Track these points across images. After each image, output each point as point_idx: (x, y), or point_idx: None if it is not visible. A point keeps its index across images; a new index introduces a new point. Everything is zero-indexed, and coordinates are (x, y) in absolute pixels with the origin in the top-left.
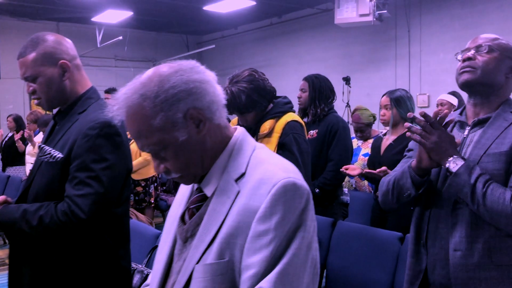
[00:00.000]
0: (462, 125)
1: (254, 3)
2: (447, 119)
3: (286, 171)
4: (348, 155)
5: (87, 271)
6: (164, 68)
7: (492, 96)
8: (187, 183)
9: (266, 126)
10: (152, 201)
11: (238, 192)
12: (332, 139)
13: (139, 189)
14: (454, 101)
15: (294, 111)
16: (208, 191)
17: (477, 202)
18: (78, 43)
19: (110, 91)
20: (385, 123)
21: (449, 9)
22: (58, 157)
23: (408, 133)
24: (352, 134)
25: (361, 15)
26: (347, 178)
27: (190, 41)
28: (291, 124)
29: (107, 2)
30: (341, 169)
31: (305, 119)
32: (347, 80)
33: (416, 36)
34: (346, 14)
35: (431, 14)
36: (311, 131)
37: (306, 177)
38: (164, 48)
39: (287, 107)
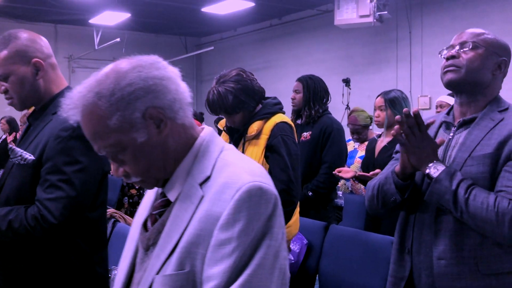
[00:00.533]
0: (448, 125)
1: (253, 4)
2: (430, 120)
3: (252, 175)
4: (342, 158)
5: (60, 277)
6: (123, 64)
7: (478, 95)
8: (149, 188)
9: (254, 127)
10: None
11: (202, 197)
12: (326, 141)
13: (133, 191)
14: (453, 101)
15: (283, 112)
16: (171, 196)
17: (460, 209)
18: (76, 45)
19: None
20: (379, 125)
21: (451, 10)
22: (30, 159)
23: (392, 132)
24: (349, 136)
25: (361, 16)
26: (343, 181)
27: (188, 43)
28: (280, 125)
29: (104, 4)
30: (333, 172)
31: (299, 121)
32: (347, 82)
33: (417, 38)
34: (346, 15)
35: (433, 15)
36: (305, 133)
37: (295, 180)
38: (163, 50)
39: (276, 108)
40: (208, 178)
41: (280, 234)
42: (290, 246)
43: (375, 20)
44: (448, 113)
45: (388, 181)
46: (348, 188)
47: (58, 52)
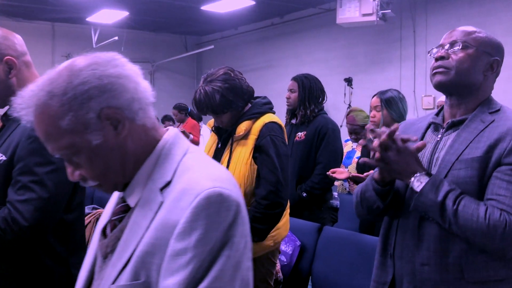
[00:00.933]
0: (436, 127)
1: (253, 3)
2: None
3: (213, 180)
4: (337, 158)
5: (33, 280)
6: (78, 61)
7: (469, 96)
8: (108, 192)
9: (242, 127)
10: None
11: (162, 203)
12: (321, 141)
13: None
14: None
15: (273, 112)
16: (131, 201)
17: (449, 221)
18: (74, 44)
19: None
20: (375, 125)
21: (456, 9)
22: (1, 159)
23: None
24: (348, 137)
25: (364, 15)
26: (340, 182)
27: (189, 41)
28: (269, 125)
29: (101, 2)
30: (327, 173)
31: (293, 121)
32: (349, 81)
33: (421, 37)
34: (348, 14)
35: (438, 14)
36: (299, 133)
37: (284, 181)
38: (163, 49)
39: (265, 107)
40: (168, 183)
41: (242, 244)
42: (282, 247)
43: (378, 19)
44: (437, 114)
45: (369, 188)
46: (345, 189)
47: (56, 51)
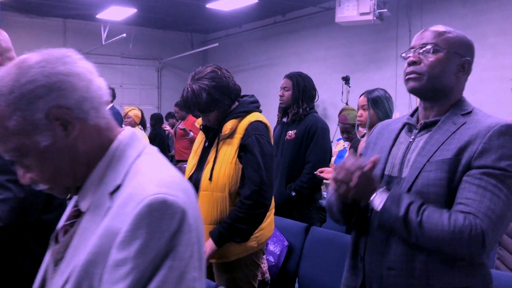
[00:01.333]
0: (410, 128)
1: (256, 1)
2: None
3: (159, 185)
4: (326, 157)
5: (11, 280)
6: (30, 57)
7: (442, 98)
8: (60, 195)
9: (228, 126)
10: None
11: (109, 209)
12: (310, 140)
13: None
14: None
15: (260, 111)
16: (83, 206)
17: (415, 234)
18: (84, 40)
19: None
20: (362, 125)
21: (450, 8)
22: None
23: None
24: (340, 136)
25: (362, 14)
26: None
27: (195, 39)
28: (254, 124)
29: None
30: (315, 172)
31: (285, 119)
32: (346, 79)
33: None
34: (346, 13)
35: (433, 14)
36: (290, 132)
37: (268, 181)
38: (170, 46)
39: (252, 106)
40: (118, 187)
41: (188, 253)
42: (271, 247)
43: (375, 18)
44: (412, 115)
45: (333, 207)
46: None
47: (67, 47)
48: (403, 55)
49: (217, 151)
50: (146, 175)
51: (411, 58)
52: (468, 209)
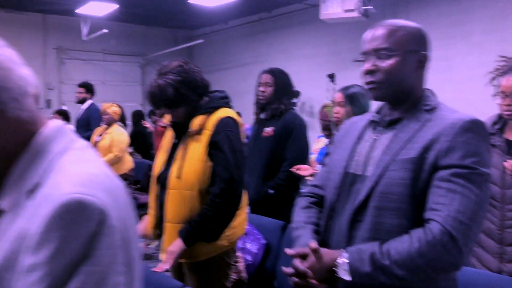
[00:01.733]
0: (375, 125)
1: None
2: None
3: (78, 184)
4: (304, 155)
5: None
6: None
7: (406, 97)
8: None
9: (196, 122)
10: None
11: (25, 209)
12: (289, 137)
13: None
14: None
15: (230, 107)
16: (4, 205)
17: (397, 276)
18: (65, 36)
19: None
20: (339, 122)
21: (436, 6)
22: None
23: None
24: (321, 133)
25: (347, 11)
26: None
27: (180, 35)
28: (224, 120)
29: None
30: (291, 169)
31: (262, 115)
32: (331, 77)
33: None
34: (331, 9)
35: (419, 11)
36: (268, 129)
37: (239, 178)
38: (153, 42)
39: (222, 102)
40: (38, 185)
41: (109, 257)
42: (248, 246)
43: (360, 15)
44: (378, 112)
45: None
46: None
47: (47, 43)
48: (357, 60)
49: (185, 148)
50: (66, 173)
51: (367, 67)
52: (437, 216)
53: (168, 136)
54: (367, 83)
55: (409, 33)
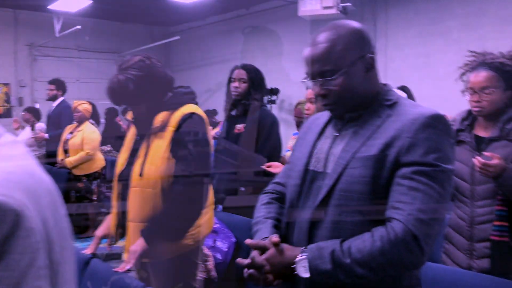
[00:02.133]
0: (336, 122)
1: None
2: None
3: None
4: (276, 152)
5: None
6: None
7: (363, 100)
8: None
9: (159, 119)
10: (94, 198)
11: None
12: (261, 134)
13: (80, 185)
14: (403, 95)
15: (195, 103)
16: None
17: (357, 274)
18: (37, 32)
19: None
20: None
21: (415, 3)
22: None
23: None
24: (296, 130)
25: (325, 8)
26: None
27: (156, 32)
28: (188, 117)
29: None
30: (263, 166)
31: (233, 112)
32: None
33: (382, 30)
34: (310, 6)
35: (398, 8)
36: (238, 125)
37: (203, 176)
38: (129, 39)
39: (186, 98)
40: None
41: (25, 261)
42: (218, 244)
43: (339, 12)
44: None
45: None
46: None
47: (19, 39)
48: (304, 80)
49: (148, 145)
50: None
51: (317, 92)
52: (399, 215)
53: (131, 133)
54: (323, 105)
55: (349, 42)
